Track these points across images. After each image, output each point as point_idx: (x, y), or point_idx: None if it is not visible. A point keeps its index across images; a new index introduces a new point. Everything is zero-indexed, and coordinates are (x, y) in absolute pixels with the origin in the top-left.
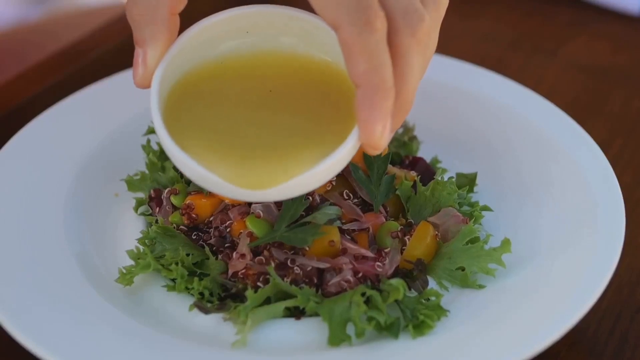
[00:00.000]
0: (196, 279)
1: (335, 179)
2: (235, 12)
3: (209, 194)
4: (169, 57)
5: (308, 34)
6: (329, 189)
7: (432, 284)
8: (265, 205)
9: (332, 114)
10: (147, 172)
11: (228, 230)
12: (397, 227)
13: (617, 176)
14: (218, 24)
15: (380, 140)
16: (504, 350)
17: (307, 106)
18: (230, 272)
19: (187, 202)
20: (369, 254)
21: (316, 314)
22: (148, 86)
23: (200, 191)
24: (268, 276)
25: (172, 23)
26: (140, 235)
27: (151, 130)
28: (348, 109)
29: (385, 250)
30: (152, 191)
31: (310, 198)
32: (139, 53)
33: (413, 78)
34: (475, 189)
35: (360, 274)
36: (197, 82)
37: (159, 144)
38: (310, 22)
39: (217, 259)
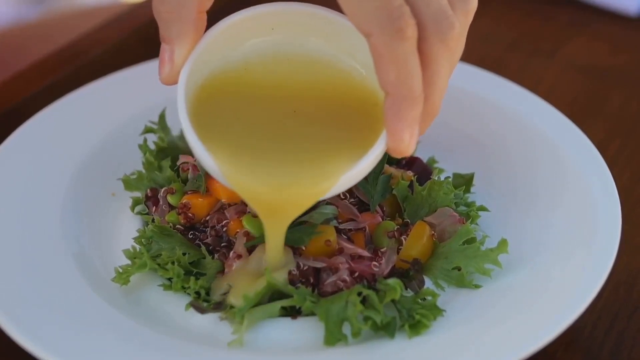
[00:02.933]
0: (192, 278)
1: None
2: (261, 9)
3: (206, 194)
4: (195, 55)
5: (335, 36)
6: None
7: (429, 283)
8: None
9: (355, 124)
10: (143, 171)
11: (224, 229)
12: (394, 227)
13: (616, 177)
14: (244, 22)
15: (408, 148)
16: (501, 349)
17: (330, 120)
18: (226, 271)
19: (184, 202)
20: (366, 253)
21: (312, 314)
22: (174, 83)
23: (197, 190)
24: None
25: (199, 21)
26: (137, 235)
27: (148, 130)
28: (370, 117)
29: (382, 250)
30: (148, 190)
31: None
32: (165, 50)
33: (441, 85)
34: (472, 189)
35: (356, 274)
36: (221, 87)
37: (155, 142)
38: (339, 23)
39: (213, 258)
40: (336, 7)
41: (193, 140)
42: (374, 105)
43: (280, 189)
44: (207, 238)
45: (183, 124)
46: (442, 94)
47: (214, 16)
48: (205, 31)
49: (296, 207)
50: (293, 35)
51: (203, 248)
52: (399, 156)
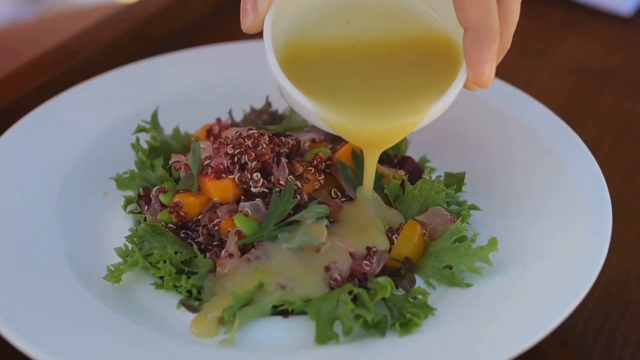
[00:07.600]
0: (184, 276)
1: (323, 177)
2: None
3: (198, 193)
4: (276, 4)
5: None
6: (317, 187)
7: (420, 282)
8: (254, 204)
9: (431, 64)
10: (136, 170)
11: (216, 228)
12: (385, 226)
13: (607, 177)
14: None
15: (489, 79)
16: (492, 348)
17: (409, 63)
18: (218, 270)
19: (176, 201)
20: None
21: (304, 312)
22: (257, 31)
23: (188, 189)
24: None
25: None
26: (129, 233)
27: (141, 129)
28: (442, 57)
29: (373, 249)
30: (141, 189)
31: (299, 197)
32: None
33: (514, 19)
34: (463, 188)
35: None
36: (300, 40)
37: (148, 142)
38: None
39: (205, 257)
40: None
41: (288, 86)
42: (444, 46)
43: (382, 125)
44: (199, 237)
45: (274, 70)
46: (514, 27)
47: None
48: None
49: (397, 136)
50: None
51: (195, 247)
52: (477, 88)
